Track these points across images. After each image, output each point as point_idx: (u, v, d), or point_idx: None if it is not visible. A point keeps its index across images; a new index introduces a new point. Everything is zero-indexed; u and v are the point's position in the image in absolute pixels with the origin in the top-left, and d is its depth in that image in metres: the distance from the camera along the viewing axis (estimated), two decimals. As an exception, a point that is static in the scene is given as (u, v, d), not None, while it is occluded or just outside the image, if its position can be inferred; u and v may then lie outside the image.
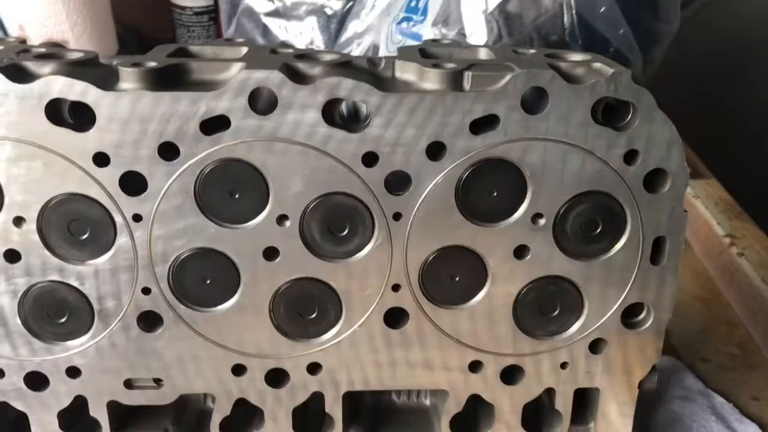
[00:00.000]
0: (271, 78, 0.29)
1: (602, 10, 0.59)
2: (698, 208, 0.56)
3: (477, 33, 0.52)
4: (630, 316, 0.34)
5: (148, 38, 0.88)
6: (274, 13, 0.56)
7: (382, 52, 0.53)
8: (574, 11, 0.60)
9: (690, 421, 0.41)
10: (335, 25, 0.54)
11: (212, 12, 0.84)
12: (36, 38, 0.74)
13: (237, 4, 0.59)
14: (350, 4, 0.54)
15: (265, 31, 0.56)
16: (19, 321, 0.32)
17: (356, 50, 0.53)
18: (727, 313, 0.50)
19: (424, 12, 0.55)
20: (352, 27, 0.54)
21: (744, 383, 0.44)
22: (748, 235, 0.52)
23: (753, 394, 0.43)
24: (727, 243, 0.52)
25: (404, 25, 0.55)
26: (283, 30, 0.55)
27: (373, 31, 0.53)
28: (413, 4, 0.55)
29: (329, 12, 0.54)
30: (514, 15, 0.57)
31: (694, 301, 0.51)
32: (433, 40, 0.36)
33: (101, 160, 0.30)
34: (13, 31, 0.74)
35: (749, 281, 0.48)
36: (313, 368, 0.34)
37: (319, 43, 0.54)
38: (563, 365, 0.35)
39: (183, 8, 0.83)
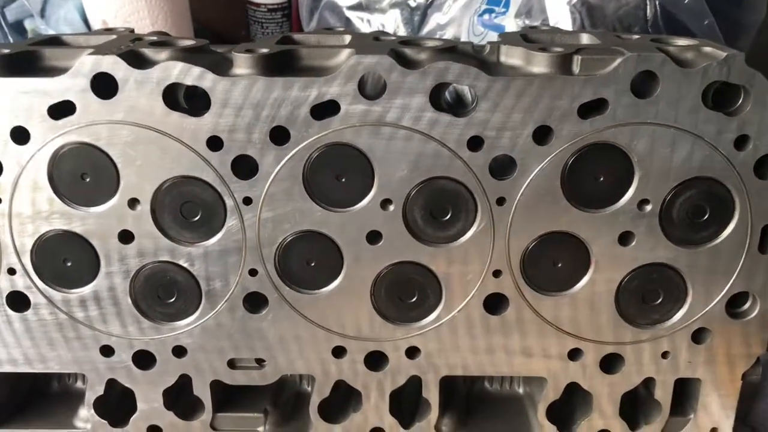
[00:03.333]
0: (381, 62, 0.29)
1: (686, 1, 0.58)
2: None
3: (561, 24, 0.52)
4: (735, 305, 0.34)
5: (222, 35, 0.90)
6: (357, 7, 0.57)
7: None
8: (657, 2, 0.59)
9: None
10: (418, 17, 0.55)
11: (286, 9, 0.85)
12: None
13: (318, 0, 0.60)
14: (433, -4, 0.54)
15: (348, 24, 0.57)
16: (129, 300, 0.34)
17: (439, 44, 0.53)
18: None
19: (507, 4, 0.55)
20: (434, 19, 0.54)
21: None
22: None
23: None
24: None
25: (486, 16, 0.55)
26: (366, 23, 0.56)
27: (456, 23, 0.54)
28: (496, -6, 0.55)
29: (413, 4, 0.55)
30: (596, 6, 0.57)
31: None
32: (531, 27, 0.36)
33: (215, 144, 0.31)
34: (97, 26, 0.77)
35: None
36: (412, 352, 0.34)
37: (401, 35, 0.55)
38: (664, 354, 0.34)
39: (258, 5, 0.85)
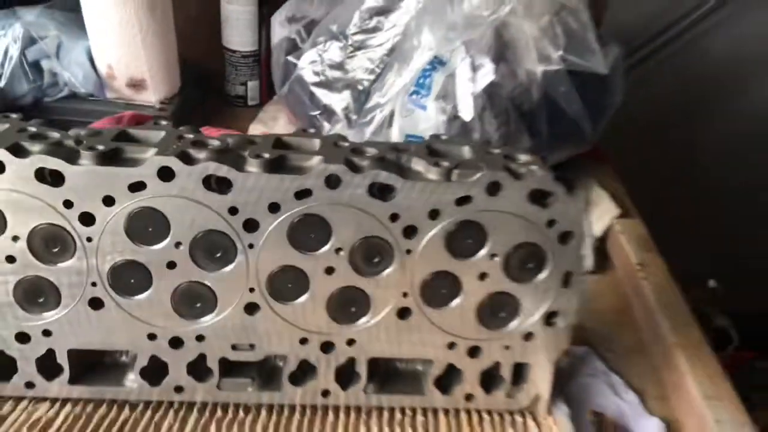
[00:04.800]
0: (338, 168, 0.49)
1: (562, 89, 0.79)
2: (622, 241, 0.77)
3: (466, 108, 0.72)
4: (550, 318, 0.54)
5: (204, 71, 1.07)
6: (319, 84, 0.75)
7: (396, 119, 0.73)
8: (541, 87, 0.79)
9: (593, 390, 0.61)
10: (364, 96, 0.74)
11: (256, 56, 1.02)
12: (121, 76, 0.93)
13: (290, 72, 0.78)
14: (375, 81, 0.73)
15: (312, 95, 0.76)
16: (171, 306, 0.52)
17: (378, 115, 0.72)
18: (632, 318, 0.70)
19: (429, 88, 0.74)
20: (376, 98, 0.73)
21: (633, 366, 0.64)
22: (652, 264, 0.72)
23: (637, 374, 0.63)
24: (637, 269, 0.72)
25: (414, 97, 0.74)
26: (326, 97, 0.75)
27: (391, 102, 0.72)
28: (421, 81, 0.74)
29: (360, 87, 0.74)
30: (494, 92, 0.76)
31: (610, 310, 0.72)
32: (436, 136, 0.56)
33: (233, 211, 0.49)
34: (102, 69, 0.93)
35: (647, 299, 0.68)
36: (351, 342, 0.54)
37: (351, 109, 0.74)
38: (507, 347, 0.55)
39: (233, 51, 1.02)
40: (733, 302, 1.32)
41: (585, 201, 0.86)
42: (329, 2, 0.81)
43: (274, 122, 0.98)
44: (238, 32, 0.99)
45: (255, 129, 0.97)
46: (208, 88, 1.05)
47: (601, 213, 0.82)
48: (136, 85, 0.92)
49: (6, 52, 0.88)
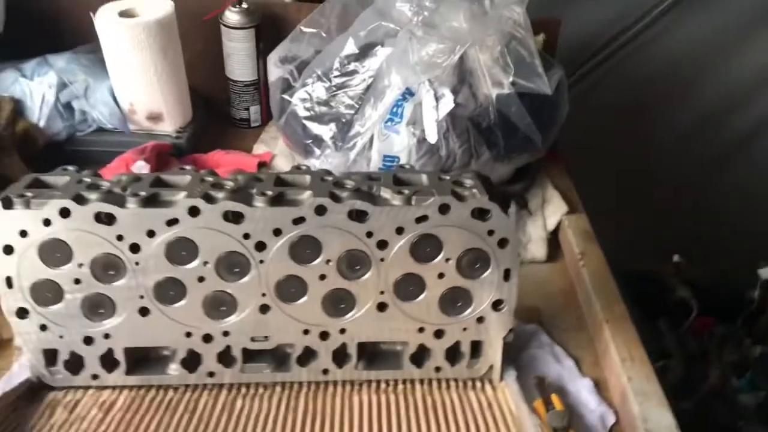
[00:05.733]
0: (325, 201, 0.64)
1: (513, 109, 0.93)
2: (568, 234, 0.92)
3: (431, 132, 0.87)
4: (496, 305, 0.69)
5: (210, 99, 1.22)
6: (310, 118, 0.90)
7: (375, 143, 0.88)
8: (496, 108, 0.94)
9: (539, 359, 0.76)
10: (347, 126, 0.89)
11: (256, 84, 1.17)
12: (141, 111, 1.08)
13: (285, 107, 0.93)
14: (356, 113, 0.88)
15: (304, 127, 0.90)
16: (203, 311, 0.68)
17: (360, 142, 0.87)
18: (575, 300, 0.85)
19: (401, 116, 0.89)
20: (357, 127, 0.87)
21: (574, 339, 0.79)
22: (591, 253, 0.87)
23: (578, 345, 0.79)
24: (579, 258, 0.87)
25: (389, 124, 0.89)
26: (316, 128, 0.90)
27: (370, 130, 0.87)
28: (394, 110, 0.89)
29: (344, 120, 0.88)
30: (457, 113, 0.91)
31: (558, 292, 0.87)
32: (401, 167, 0.71)
33: (246, 236, 0.64)
34: (125, 106, 1.08)
35: (585, 282, 0.84)
36: (342, 330, 0.69)
37: (337, 137, 0.88)
38: (464, 329, 0.70)
39: (236, 81, 1.17)
40: (695, 274, 1.48)
41: (541, 198, 1.01)
42: (316, 44, 0.95)
43: (274, 141, 1.13)
44: (239, 65, 1.13)
45: (258, 148, 1.12)
46: (216, 114, 1.20)
47: (554, 209, 0.97)
48: (155, 117, 1.07)
49: (43, 98, 1.03)
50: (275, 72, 0.96)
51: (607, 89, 1.41)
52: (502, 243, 0.66)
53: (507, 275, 0.68)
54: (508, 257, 0.67)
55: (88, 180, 0.67)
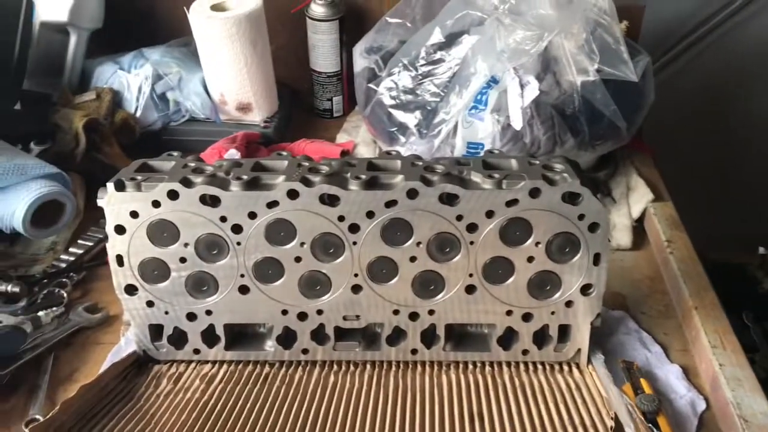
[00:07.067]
0: (417, 184, 0.65)
1: (598, 96, 0.93)
2: (655, 222, 0.91)
3: (516, 119, 0.87)
4: (585, 289, 0.70)
5: (295, 89, 1.26)
6: (395, 106, 0.92)
7: (459, 130, 0.89)
8: (580, 95, 0.94)
9: (626, 345, 0.77)
10: (432, 114, 0.90)
11: (339, 75, 1.20)
12: (231, 102, 1.12)
13: (371, 96, 0.96)
14: (441, 101, 0.90)
15: (390, 115, 0.93)
16: (298, 290, 0.70)
17: (444, 129, 0.88)
18: (661, 288, 0.85)
19: (486, 103, 0.90)
20: (442, 114, 0.89)
21: (661, 326, 0.79)
22: (678, 241, 0.87)
23: (665, 332, 0.78)
24: (665, 245, 0.87)
25: (473, 111, 0.90)
26: (401, 116, 0.92)
27: (454, 117, 0.89)
28: (479, 97, 0.90)
29: (429, 108, 0.90)
30: (541, 100, 0.91)
31: (644, 278, 0.86)
32: (490, 151, 0.72)
33: (341, 218, 0.66)
34: (216, 96, 1.13)
35: (673, 270, 0.83)
36: (431, 312, 0.71)
37: (422, 124, 0.90)
38: (552, 312, 0.71)
39: (320, 72, 1.20)
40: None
41: (626, 186, 1.00)
42: (401, 35, 0.97)
43: (356, 131, 1.16)
44: (323, 56, 1.16)
45: (341, 137, 1.15)
46: (299, 104, 1.24)
47: (639, 197, 0.96)
48: (244, 108, 1.11)
49: (140, 89, 1.09)
50: (361, 62, 0.99)
51: (691, 76, 1.38)
52: (593, 227, 0.67)
53: (597, 260, 0.68)
54: (598, 242, 0.67)
55: (192, 164, 0.70)
